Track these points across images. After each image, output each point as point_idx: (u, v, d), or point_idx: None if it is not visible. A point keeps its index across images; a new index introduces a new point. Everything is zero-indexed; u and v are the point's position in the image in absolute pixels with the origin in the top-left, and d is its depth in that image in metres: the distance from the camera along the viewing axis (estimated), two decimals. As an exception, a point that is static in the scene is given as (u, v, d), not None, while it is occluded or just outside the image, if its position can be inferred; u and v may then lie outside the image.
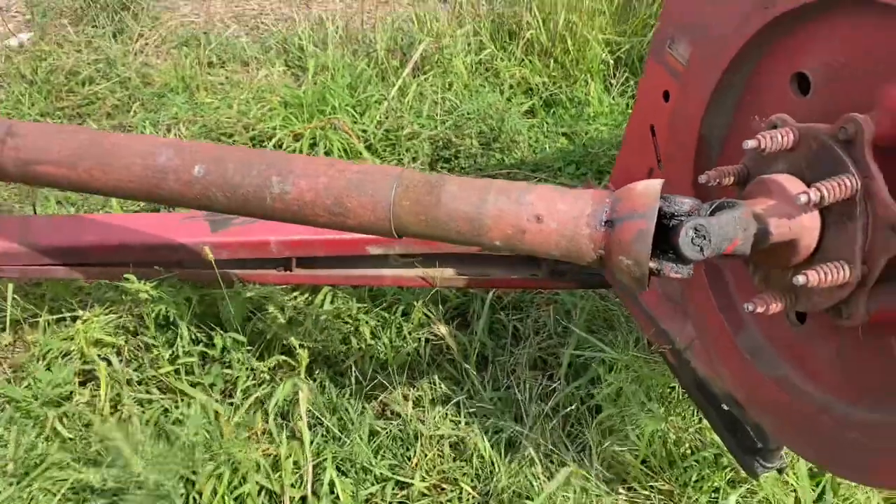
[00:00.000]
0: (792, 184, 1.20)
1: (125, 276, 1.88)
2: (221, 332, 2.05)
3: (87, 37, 3.81)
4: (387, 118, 3.32)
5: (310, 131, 3.05)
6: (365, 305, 2.33)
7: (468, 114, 3.39)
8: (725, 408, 1.71)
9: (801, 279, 1.11)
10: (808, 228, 1.17)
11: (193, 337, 2.09)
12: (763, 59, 1.41)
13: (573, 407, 2.17)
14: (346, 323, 2.29)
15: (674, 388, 2.09)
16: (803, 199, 1.10)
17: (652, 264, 1.14)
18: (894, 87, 1.11)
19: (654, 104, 1.91)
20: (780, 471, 1.71)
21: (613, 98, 3.76)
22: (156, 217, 2.17)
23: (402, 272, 2.21)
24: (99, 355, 2.03)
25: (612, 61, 3.77)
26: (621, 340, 2.29)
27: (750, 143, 1.20)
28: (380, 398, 2.17)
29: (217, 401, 2.00)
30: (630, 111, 3.71)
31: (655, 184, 1.16)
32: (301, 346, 2.04)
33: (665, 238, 1.14)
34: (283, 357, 2.05)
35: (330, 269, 2.14)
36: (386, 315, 2.39)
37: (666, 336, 1.88)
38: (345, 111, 3.23)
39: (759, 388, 1.49)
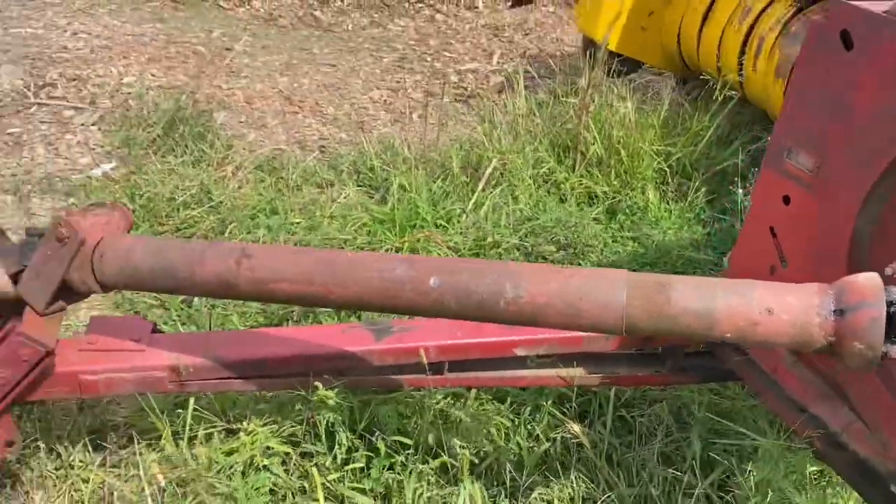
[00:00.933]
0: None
1: (315, 383, 1.99)
2: (384, 436, 2.14)
3: (169, 165, 4.03)
4: (468, 229, 3.52)
5: (407, 244, 3.24)
6: (500, 406, 2.44)
7: (543, 222, 3.61)
8: (894, 488, 1.82)
9: None
10: None
11: (353, 443, 2.17)
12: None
13: (714, 498, 2.25)
14: (486, 424, 2.38)
15: (822, 472, 2.19)
16: None
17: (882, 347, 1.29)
18: None
19: (774, 208, 2.11)
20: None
21: (668, 203, 4.01)
22: (321, 329, 2.30)
23: (541, 372, 2.34)
24: (265, 465, 2.10)
25: (666, 169, 4.04)
26: (750, 431, 2.39)
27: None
28: (529, 498, 2.24)
29: (382, 505, 2.07)
30: (686, 215, 3.97)
31: (875, 276, 1.33)
32: (462, 447, 2.13)
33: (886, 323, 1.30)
34: (447, 459, 2.14)
35: (477, 371, 2.26)
36: (514, 417, 2.49)
37: (816, 421, 2.00)
38: (433, 224, 3.44)
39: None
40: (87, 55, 5.82)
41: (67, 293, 1.82)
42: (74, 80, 5.27)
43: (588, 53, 4.52)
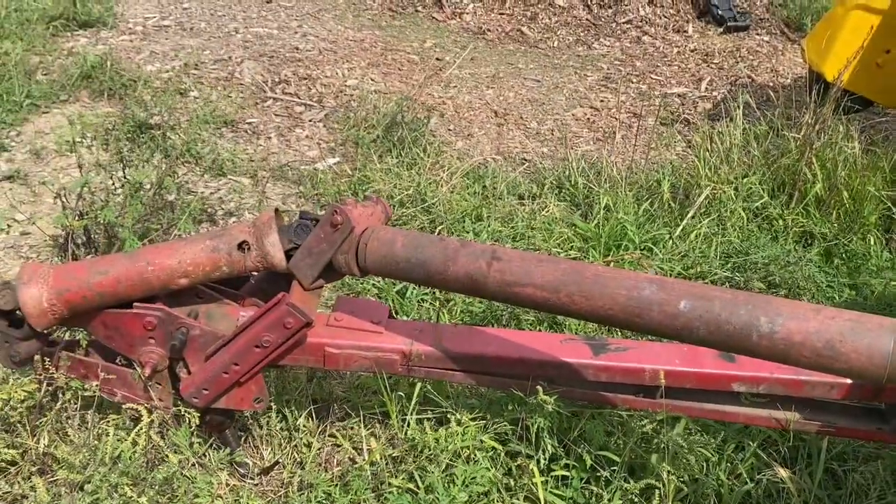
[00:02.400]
0: None
1: (537, 386, 2.08)
2: (589, 448, 2.19)
3: (387, 165, 4.31)
4: (675, 256, 3.48)
5: (613, 265, 3.26)
6: (707, 437, 2.40)
7: (753, 258, 3.49)
8: None
9: None
10: None
11: (556, 451, 2.24)
12: None
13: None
14: (690, 452, 2.36)
15: None
16: None
17: None
18: None
19: None
20: None
21: (892, 252, 3.75)
22: (542, 336, 2.39)
23: (755, 412, 2.28)
24: (476, 459, 2.21)
25: (894, 216, 3.78)
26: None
27: None
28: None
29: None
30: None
31: None
32: (669, 472, 2.13)
33: None
34: (650, 481, 2.15)
35: (691, 401, 2.25)
36: (716, 451, 2.44)
37: None
38: (639, 246, 3.44)
39: None
40: (315, 56, 6.34)
41: (330, 273, 2.03)
42: (305, 78, 5.76)
43: (815, 88, 4.32)
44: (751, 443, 2.44)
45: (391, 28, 7.60)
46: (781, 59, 7.04)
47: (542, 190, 4.27)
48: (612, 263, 3.28)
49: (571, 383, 2.21)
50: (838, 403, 2.33)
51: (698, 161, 4.00)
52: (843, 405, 2.34)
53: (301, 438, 2.50)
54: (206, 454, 2.22)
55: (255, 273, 2.20)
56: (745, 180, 3.89)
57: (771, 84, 6.34)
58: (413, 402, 2.31)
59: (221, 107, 4.93)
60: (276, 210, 2.07)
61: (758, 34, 7.68)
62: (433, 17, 8.05)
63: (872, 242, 3.74)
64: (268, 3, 7.70)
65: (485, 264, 1.79)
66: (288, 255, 2.03)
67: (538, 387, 2.07)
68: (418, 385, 2.35)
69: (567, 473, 2.22)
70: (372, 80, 5.97)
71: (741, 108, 4.36)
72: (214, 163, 4.16)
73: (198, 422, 2.19)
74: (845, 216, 3.85)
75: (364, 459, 2.37)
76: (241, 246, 2.01)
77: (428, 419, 2.42)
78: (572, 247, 3.46)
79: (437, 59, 6.70)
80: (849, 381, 2.23)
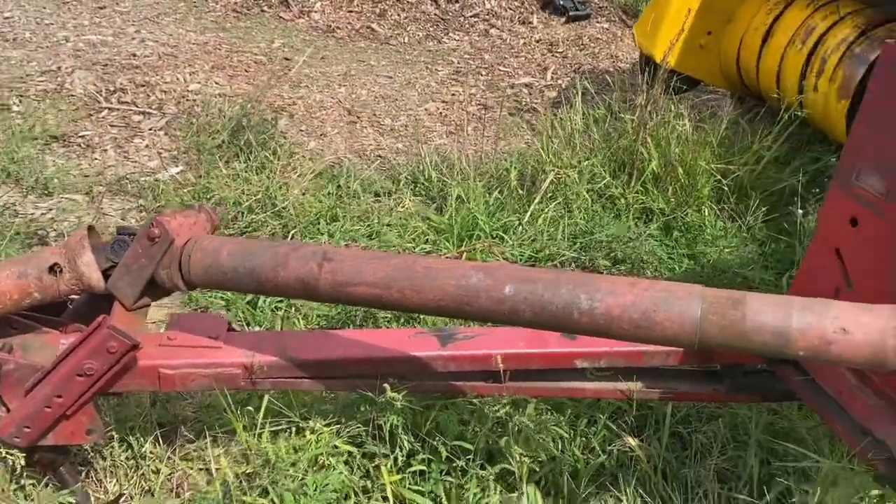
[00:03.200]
0: None
1: (383, 385, 2.05)
2: (445, 440, 2.19)
3: (234, 170, 4.16)
4: (525, 241, 3.56)
5: (466, 255, 3.29)
6: (558, 416, 2.47)
7: (598, 237, 3.63)
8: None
9: None
10: None
11: (413, 446, 2.23)
12: None
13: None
14: (544, 433, 2.41)
15: (882, 496, 2.17)
16: None
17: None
18: None
19: (840, 229, 2.11)
20: None
21: (725, 222, 4.00)
22: (389, 333, 2.36)
23: (601, 385, 2.37)
24: (332, 465, 2.17)
25: (724, 188, 4.03)
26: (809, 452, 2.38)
27: None
28: (586, 508, 2.27)
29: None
30: (743, 234, 3.95)
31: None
32: (522, 454, 2.17)
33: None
34: (505, 465, 2.18)
35: (538, 381, 2.30)
36: (570, 428, 2.52)
37: (880, 445, 1.99)
38: (490, 235, 3.49)
39: None
40: (154, 62, 6.02)
41: (154, 290, 1.92)
42: (143, 86, 5.47)
43: (646, 70, 4.54)
44: (601, 416, 2.53)
45: (236, 30, 7.34)
46: (620, 46, 7.37)
47: (398, 186, 4.25)
48: (464, 254, 3.31)
49: (422, 377, 2.20)
50: (677, 369, 2.45)
51: (541, 148, 4.11)
52: (681, 371, 2.47)
53: (148, 466, 2.37)
54: (35, 496, 2.05)
55: (75, 297, 2.05)
56: (587, 163, 4.04)
57: (611, 69, 6.63)
58: (262, 414, 2.23)
59: (48, 120, 4.58)
60: (91, 227, 1.94)
61: (598, 22, 8.00)
62: (280, 17, 7.85)
63: (707, 214, 3.98)
64: (101, 9, 7.25)
65: (316, 266, 1.74)
66: (106, 274, 1.90)
67: (385, 385, 2.04)
68: (266, 397, 2.27)
69: (425, 468, 2.21)
70: (216, 83, 5.75)
71: (580, 94, 4.52)
72: (38, 181, 3.86)
73: (24, 462, 2.01)
74: (681, 191, 4.06)
75: (219, 479, 2.27)
76: (53, 269, 1.86)
77: (283, 430, 2.35)
78: (427, 240, 3.47)
79: (286, 58, 6.54)
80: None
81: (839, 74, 3.82)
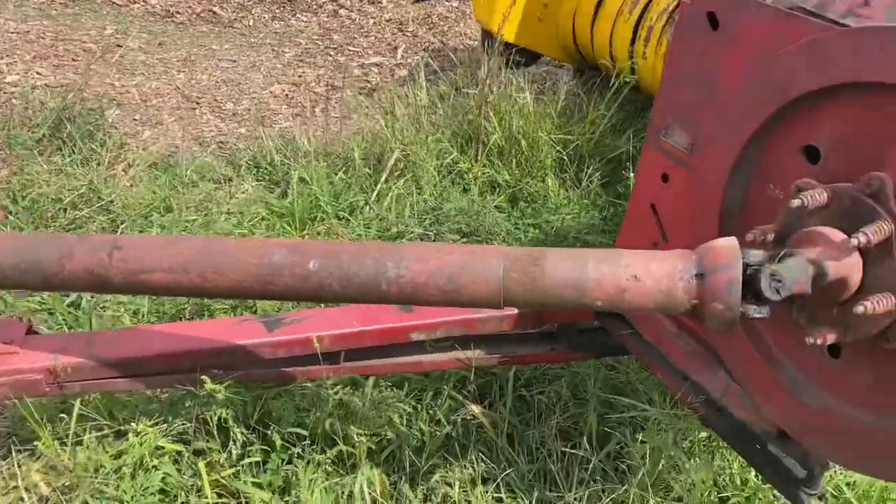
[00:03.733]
0: (833, 233, 1.46)
1: (202, 378, 1.94)
2: (279, 429, 2.11)
3: (56, 165, 3.85)
4: (372, 220, 3.51)
5: (308, 237, 3.19)
6: (399, 392, 2.44)
7: (446, 211, 3.63)
8: (767, 447, 1.91)
9: (860, 308, 1.35)
10: (854, 268, 1.42)
11: (247, 438, 2.13)
12: (775, 137, 1.71)
13: (608, 471, 2.32)
14: (385, 411, 2.38)
15: (710, 437, 2.29)
16: (854, 241, 1.35)
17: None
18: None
19: (654, 186, 2.19)
20: (820, 497, 1.91)
21: (567, 190, 4.11)
22: (212, 323, 2.24)
23: (439, 357, 2.35)
24: (155, 465, 2.04)
25: (564, 157, 4.13)
26: (641, 403, 2.47)
27: (795, 203, 1.46)
28: (430, 481, 2.26)
29: (279, 498, 2.04)
30: (584, 201, 4.07)
31: (733, 240, 1.39)
32: (359, 435, 2.12)
33: (744, 285, 1.36)
34: (345, 447, 2.12)
35: (374, 359, 2.26)
36: (415, 402, 2.50)
37: (699, 389, 2.08)
38: (334, 217, 3.40)
39: (808, 418, 1.70)
40: (-35, 53, 5.50)
41: (-74, 295, 1.72)
42: (-49, 79, 4.97)
43: (487, 45, 4.57)
44: (445, 387, 2.52)
45: (63, 17, 6.82)
46: (469, 24, 7.42)
47: (238, 172, 4.08)
48: (306, 237, 3.22)
49: (250, 365, 2.11)
50: (514, 334, 2.48)
51: (385, 126, 4.05)
52: (519, 335, 2.50)
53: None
54: None
55: None
56: (433, 139, 4.02)
57: (460, 47, 6.66)
58: (73, 421, 2.06)
59: None
60: None
61: (447, 1, 8.02)
62: (113, 3, 7.37)
63: (550, 184, 4.07)
64: None
65: (106, 256, 1.61)
66: None
67: (203, 377, 1.94)
68: (77, 402, 2.10)
69: (260, 459, 2.12)
70: (39, 74, 5.32)
71: (423, 71, 4.49)
72: None
73: None
74: (525, 162, 4.13)
75: (33, 496, 2.08)
76: None
77: (105, 436, 2.19)
78: (267, 226, 3.34)
79: (118, 45, 6.14)
80: (515, 311, 2.38)
81: (664, 42, 3.98)
